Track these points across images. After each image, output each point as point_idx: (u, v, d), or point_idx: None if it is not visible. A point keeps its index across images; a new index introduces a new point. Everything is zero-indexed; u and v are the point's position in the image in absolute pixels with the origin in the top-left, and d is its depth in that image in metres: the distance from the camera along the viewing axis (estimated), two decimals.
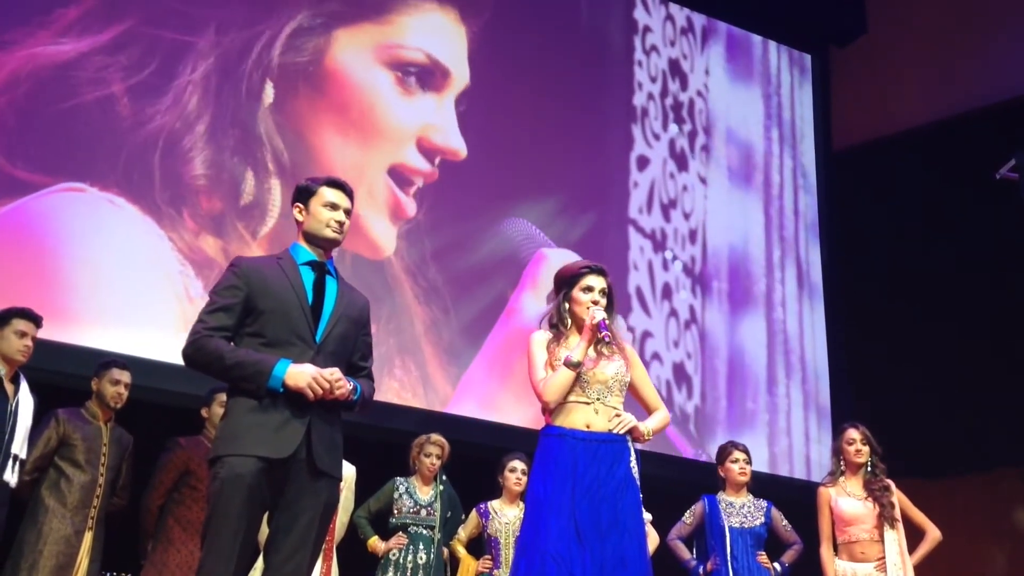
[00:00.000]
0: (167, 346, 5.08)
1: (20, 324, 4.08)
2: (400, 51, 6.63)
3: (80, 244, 5.37)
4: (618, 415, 3.37)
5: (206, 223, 5.78)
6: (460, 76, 6.85)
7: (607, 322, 3.36)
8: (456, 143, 6.69)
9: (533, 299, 6.71)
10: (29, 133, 5.37)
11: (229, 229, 5.83)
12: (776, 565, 4.81)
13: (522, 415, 6.37)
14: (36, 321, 4.14)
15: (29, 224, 5.32)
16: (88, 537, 4.27)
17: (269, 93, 6.11)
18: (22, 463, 4.07)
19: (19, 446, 4.02)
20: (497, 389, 6.55)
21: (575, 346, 3.38)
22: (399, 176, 6.45)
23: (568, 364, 3.34)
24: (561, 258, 6.86)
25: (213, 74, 5.96)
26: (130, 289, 5.43)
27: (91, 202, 5.45)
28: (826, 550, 4.51)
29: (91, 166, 5.50)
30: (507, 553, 4.80)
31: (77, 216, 5.42)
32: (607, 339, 3.34)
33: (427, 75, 6.70)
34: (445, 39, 6.88)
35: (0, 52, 5.35)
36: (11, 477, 3.99)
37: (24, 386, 4.11)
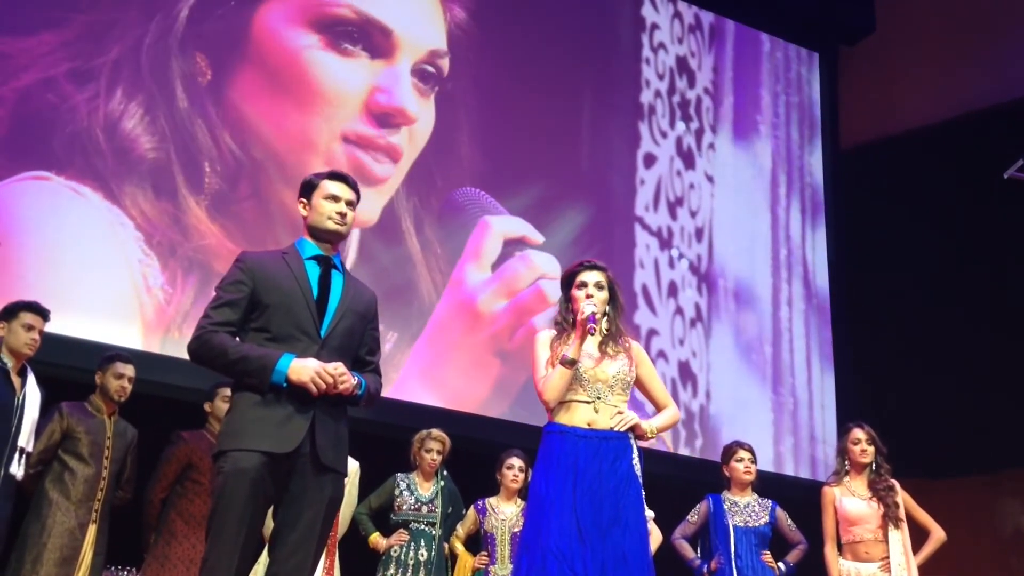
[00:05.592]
0: (125, 335, 4.86)
1: (27, 317, 4.08)
2: (330, 8, 6.29)
3: (42, 233, 5.24)
4: (619, 413, 3.37)
5: (165, 208, 5.59)
6: (428, 49, 6.61)
7: (596, 316, 3.33)
8: (406, 104, 6.38)
9: (476, 270, 6.53)
10: None
11: (186, 213, 5.64)
12: (780, 565, 4.81)
13: (463, 391, 6.29)
14: (43, 315, 4.14)
15: None
16: (92, 530, 4.28)
17: (203, 67, 5.86)
18: (28, 456, 4.08)
19: (26, 439, 4.03)
20: (441, 364, 6.35)
21: (570, 343, 3.38)
22: (354, 143, 6.21)
23: (563, 362, 3.33)
24: (505, 225, 6.71)
25: (144, 49, 5.69)
26: (90, 277, 5.26)
27: (56, 191, 5.31)
28: (830, 550, 4.50)
29: (47, 155, 5.33)
30: (503, 549, 4.82)
31: (41, 205, 5.29)
32: (592, 332, 3.30)
33: (364, 35, 6.35)
34: (419, 9, 6.68)
35: None
36: (18, 470, 4.00)
37: (31, 379, 4.11)
